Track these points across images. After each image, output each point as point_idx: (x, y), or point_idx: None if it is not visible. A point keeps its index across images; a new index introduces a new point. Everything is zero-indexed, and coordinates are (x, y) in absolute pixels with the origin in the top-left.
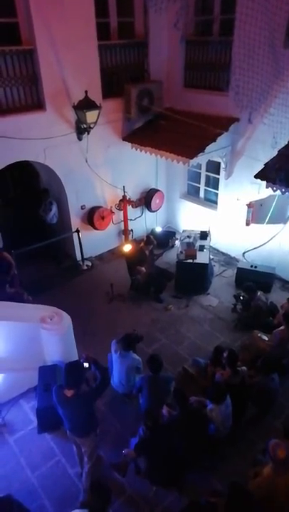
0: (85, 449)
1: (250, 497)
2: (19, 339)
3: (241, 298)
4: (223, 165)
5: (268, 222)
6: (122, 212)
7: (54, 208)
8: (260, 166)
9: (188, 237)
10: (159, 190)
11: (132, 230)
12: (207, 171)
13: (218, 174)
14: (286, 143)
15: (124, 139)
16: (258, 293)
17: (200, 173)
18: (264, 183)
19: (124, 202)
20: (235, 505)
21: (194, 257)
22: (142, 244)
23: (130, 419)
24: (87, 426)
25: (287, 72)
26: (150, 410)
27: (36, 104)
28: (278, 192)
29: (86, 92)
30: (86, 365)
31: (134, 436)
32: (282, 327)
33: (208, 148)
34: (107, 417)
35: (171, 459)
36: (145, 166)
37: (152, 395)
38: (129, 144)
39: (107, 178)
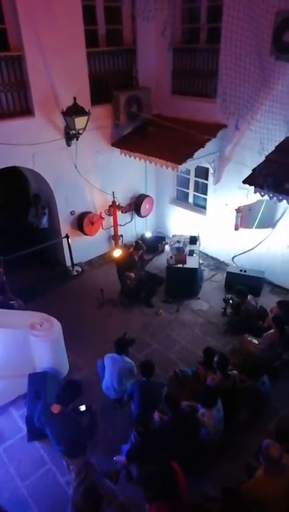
0: (73, 466)
1: (243, 501)
2: (8, 346)
3: (231, 302)
4: (211, 170)
5: (256, 227)
6: (111, 217)
7: (47, 212)
8: (248, 172)
9: (178, 242)
10: (148, 196)
11: (121, 235)
12: (196, 176)
13: (207, 180)
14: (273, 149)
15: (113, 145)
16: (249, 297)
17: (189, 178)
18: (252, 188)
19: (113, 207)
20: (229, 510)
21: (184, 261)
22: (131, 249)
23: (121, 426)
24: (75, 448)
25: (273, 79)
26: (141, 416)
27: (25, 110)
28: (266, 197)
29: (75, 98)
30: (83, 408)
31: (126, 443)
32: (272, 330)
33: (196, 154)
34: (98, 424)
35: (163, 465)
36: (134, 172)
37: (144, 400)
38: (118, 149)
39: (96, 184)
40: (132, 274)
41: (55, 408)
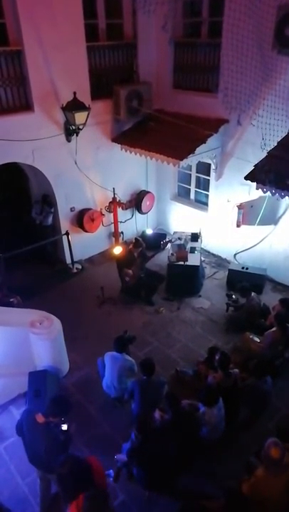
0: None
1: (246, 500)
2: (8, 344)
3: (233, 297)
4: (213, 166)
5: (258, 224)
6: (112, 214)
7: (53, 211)
8: (250, 168)
9: (179, 239)
10: (149, 192)
11: (122, 232)
12: (197, 172)
13: (209, 176)
14: (275, 144)
15: (113, 141)
16: (252, 294)
17: (190, 174)
18: (254, 184)
19: (114, 204)
20: (231, 509)
21: (185, 259)
22: (131, 246)
23: (122, 424)
24: (48, 463)
25: (275, 74)
26: (142, 415)
27: (24, 106)
28: (268, 193)
29: (75, 93)
30: (65, 427)
31: (126, 441)
32: (273, 328)
33: (198, 150)
34: (99, 422)
35: (163, 464)
36: (135, 168)
37: (144, 398)
38: (119, 145)
39: (96, 180)
40: (130, 271)
41: (40, 418)
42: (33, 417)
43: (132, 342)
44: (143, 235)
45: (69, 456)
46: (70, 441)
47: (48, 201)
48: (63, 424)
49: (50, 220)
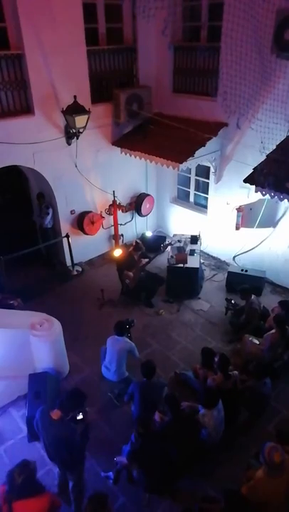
0: (71, 476)
1: (246, 502)
2: (8, 346)
3: (232, 302)
4: (212, 169)
5: (257, 226)
6: (112, 217)
7: (51, 212)
8: (249, 171)
9: (179, 241)
10: (149, 195)
11: (122, 235)
12: (197, 175)
13: (208, 179)
14: (274, 147)
15: (113, 144)
16: (252, 297)
17: (190, 177)
18: (253, 187)
19: (114, 207)
20: (232, 511)
21: (185, 261)
22: (131, 249)
23: (122, 426)
24: (70, 459)
25: (274, 78)
26: (142, 417)
27: (25, 109)
28: (267, 196)
29: (75, 96)
30: (80, 416)
31: (126, 444)
32: (273, 331)
33: (197, 153)
34: (99, 424)
35: (163, 466)
36: (135, 171)
37: (144, 400)
38: (119, 148)
39: (96, 183)
40: (131, 273)
41: (56, 414)
42: (47, 415)
43: (130, 325)
44: (143, 238)
45: (30, 477)
46: (88, 428)
47: (43, 200)
48: (78, 414)
49: (47, 221)
